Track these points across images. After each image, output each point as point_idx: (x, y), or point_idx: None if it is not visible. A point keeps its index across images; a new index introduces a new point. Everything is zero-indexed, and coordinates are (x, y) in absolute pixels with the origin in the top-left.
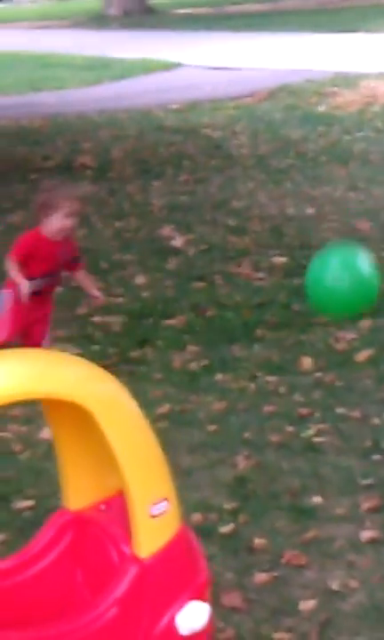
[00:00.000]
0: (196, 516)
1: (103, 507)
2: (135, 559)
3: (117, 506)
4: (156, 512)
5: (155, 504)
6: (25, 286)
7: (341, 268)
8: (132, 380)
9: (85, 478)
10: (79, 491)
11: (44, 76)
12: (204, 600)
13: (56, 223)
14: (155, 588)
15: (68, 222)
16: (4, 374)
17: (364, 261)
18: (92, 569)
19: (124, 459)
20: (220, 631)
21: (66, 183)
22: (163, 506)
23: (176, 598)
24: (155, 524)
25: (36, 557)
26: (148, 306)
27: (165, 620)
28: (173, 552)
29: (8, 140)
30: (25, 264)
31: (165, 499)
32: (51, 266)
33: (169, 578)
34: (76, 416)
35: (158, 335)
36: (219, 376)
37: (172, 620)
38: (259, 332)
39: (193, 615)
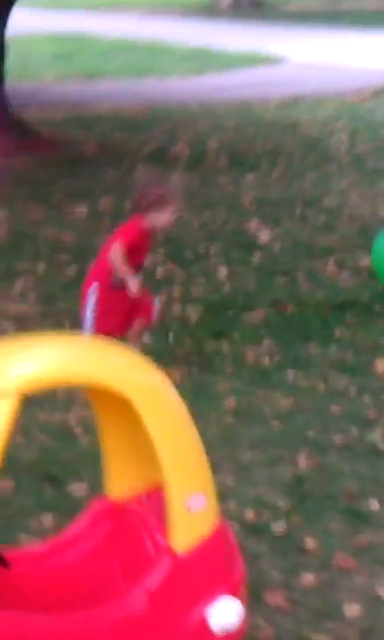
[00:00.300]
0: (250, 513)
1: (143, 498)
2: (170, 552)
3: (157, 498)
4: (192, 506)
5: (191, 497)
6: (134, 282)
7: None
8: (202, 372)
9: (128, 468)
10: (121, 480)
11: (148, 64)
12: (237, 597)
13: (165, 218)
14: (187, 582)
15: (173, 219)
16: (42, 358)
17: None
18: (128, 559)
19: (162, 450)
20: (259, 629)
21: (177, 178)
22: (200, 500)
23: (208, 593)
24: (191, 517)
25: (73, 543)
26: (228, 298)
27: (196, 614)
28: (209, 547)
29: (106, 126)
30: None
31: (203, 493)
32: (144, 258)
33: (202, 572)
34: (120, 405)
35: (235, 328)
36: (290, 373)
37: (203, 614)
38: (337, 331)
39: (224, 611)
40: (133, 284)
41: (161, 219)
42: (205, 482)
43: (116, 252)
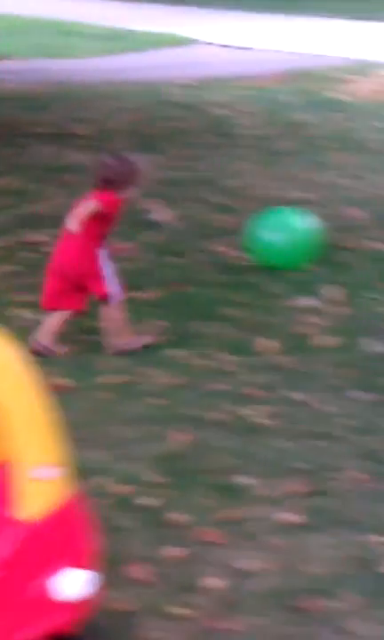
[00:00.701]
0: (121, 488)
1: None
2: (13, 521)
3: (6, 470)
4: (38, 476)
5: (38, 468)
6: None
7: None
8: (88, 351)
9: None
10: None
11: (58, 44)
12: (86, 568)
13: (132, 193)
14: (31, 552)
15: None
16: None
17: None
18: None
19: (9, 420)
20: (117, 602)
21: (145, 158)
22: (48, 471)
23: (54, 564)
24: (38, 488)
25: None
26: (121, 278)
27: (40, 584)
28: (57, 518)
29: (7, 105)
30: (102, 221)
31: (53, 465)
32: (111, 230)
33: (48, 543)
34: None
35: (126, 307)
36: (173, 351)
37: (48, 584)
38: (225, 310)
39: (70, 582)
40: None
41: (131, 193)
42: (56, 453)
43: (88, 206)
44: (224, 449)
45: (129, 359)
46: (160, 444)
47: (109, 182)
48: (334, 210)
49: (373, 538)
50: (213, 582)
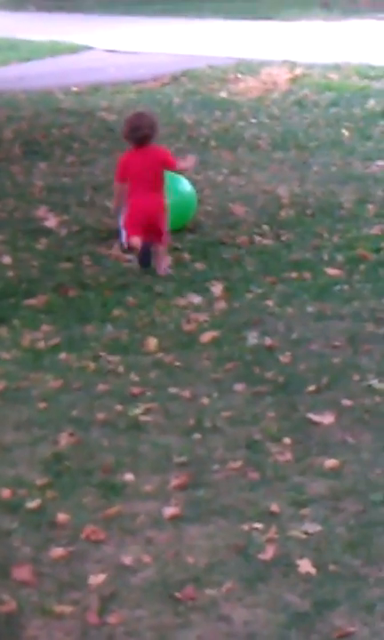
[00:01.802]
0: (5, 492)
1: None
2: None
3: None
4: None
5: None
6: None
7: None
8: None
9: None
10: None
11: None
12: None
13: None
14: None
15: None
16: None
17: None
18: None
19: None
20: (2, 604)
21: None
22: None
23: None
24: None
25: None
26: (11, 285)
27: None
28: None
29: None
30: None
31: None
32: None
33: None
34: None
35: (16, 315)
36: (63, 355)
37: None
38: (116, 312)
39: None
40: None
41: None
42: None
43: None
44: (108, 448)
45: (18, 365)
46: (46, 447)
47: (148, 137)
48: (219, 207)
49: (251, 525)
50: (96, 579)
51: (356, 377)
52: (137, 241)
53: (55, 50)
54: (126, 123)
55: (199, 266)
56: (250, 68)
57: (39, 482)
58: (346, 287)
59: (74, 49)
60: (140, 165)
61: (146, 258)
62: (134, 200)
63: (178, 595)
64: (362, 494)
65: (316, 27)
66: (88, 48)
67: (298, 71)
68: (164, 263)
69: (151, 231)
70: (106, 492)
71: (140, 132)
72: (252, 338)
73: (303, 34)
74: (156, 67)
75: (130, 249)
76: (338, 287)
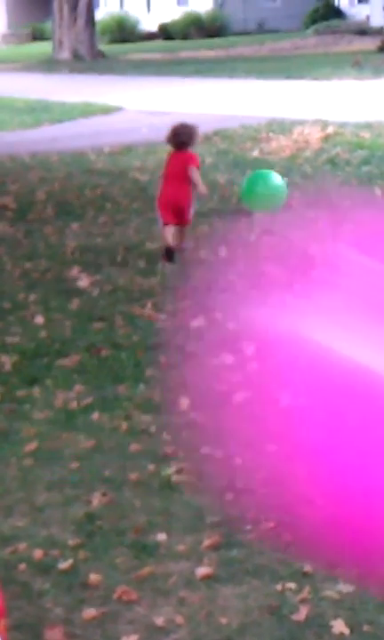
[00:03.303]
0: (38, 552)
1: None
2: None
3: None
4: None
5: None
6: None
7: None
8: (9, 419)
9: None
10: None
11: None
12: None
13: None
14: None
15: None
16: None
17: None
18: None
19: None
20: None
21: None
22: None
23: None
24: None
25: None
26: (44, 345)
27: None
28: None
29: None
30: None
31: None
32: None
33: None
34: None
35: (49, 374)
36: (96, 415)
37: None
38: (148, 372)
39: None
40: (203, 189)
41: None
42: None
43: (195, 173)
44: (141, 508)
45: (51, 425)
46: (79, 507)
47: (185, 144)
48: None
49: (283, 585)
50: (129, 639)
51: None
52: (168, 235)
53: (87, 111)
54: (171, 128)
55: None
56: (282, 127)
57: (71, 542)
58: None
59: (106, 110)
60: (174, 165)
61: (170, 255)
62: (167, 190)
63: None
64: None
65: (348, 85)
66: (120, 109)
67: (330, 130)
68: (183, 240)
69: (178, 214)
70: (138, 553)
71: (178, 139)
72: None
73: (335, 92)
74: None
75: (163, 236)
76: None
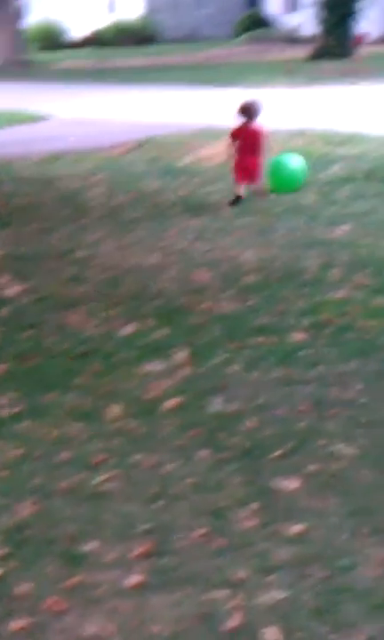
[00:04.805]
0: None
1: None
2: None
3: None
4: None
5: None
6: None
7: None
8: None
9: None
10: None
11: None
12: None
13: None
14: None
15: None
16: None
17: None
18: None
19: None
20: None
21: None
22: None
23: None
24: None
25: None
26: None
27: None
28: None
29: None
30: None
31: None
32: None
33: None
34: None
35: None
36: (25, 423)
37: None
38: (78, 380)
39: None
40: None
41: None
42: None
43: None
44: (71, 517)
45: None
46: (8, 517)
47: (251, 117)
48: (183, 273)
49: (216, 593)
50: None
51: (322, 442)
52: (241, 191)
53: (13, 120)
54: (240, 104)
55: (163, 332)
56: (213, 134)
57: (0, 552)
58: (311, 352)
59: (33, 118)
60: (244, 134)
61: (236, 201)
62: (240, 157)
63: None
64: (328, 560)
65: (280, 93)
66: (48, 117)
67: None
68: (261, 193)
69: (250, 176)
70: (68, 562)
71: (244, 113)
72: (217, 404)
73: (267, 100)
74: (118, 135)
75: (236, 192)
76: (303, 352)
